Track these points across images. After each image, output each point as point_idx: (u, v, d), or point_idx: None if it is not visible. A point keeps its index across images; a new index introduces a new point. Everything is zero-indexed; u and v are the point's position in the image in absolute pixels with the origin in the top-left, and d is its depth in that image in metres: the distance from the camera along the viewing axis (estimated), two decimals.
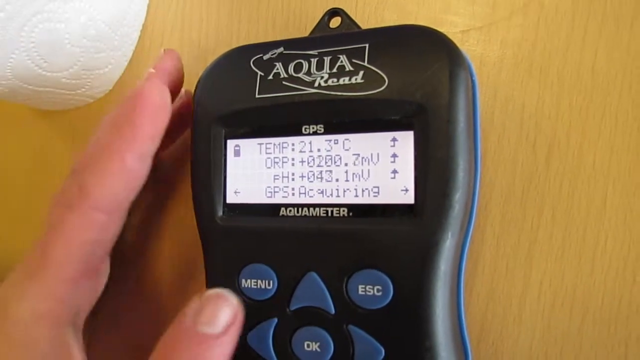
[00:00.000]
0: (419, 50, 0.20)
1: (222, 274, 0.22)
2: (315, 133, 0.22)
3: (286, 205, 0.22)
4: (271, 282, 0.22)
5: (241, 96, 0.22)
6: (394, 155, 0.20)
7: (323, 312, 0.21)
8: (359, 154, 0.21)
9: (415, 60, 0.20)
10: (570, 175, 0.22)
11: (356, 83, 0.20)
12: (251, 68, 0.22)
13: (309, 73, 0.21)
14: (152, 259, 0.27)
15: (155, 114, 0.22)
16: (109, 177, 0.21)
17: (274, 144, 0.22)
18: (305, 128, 0.22)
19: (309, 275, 0.21)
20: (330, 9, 0.23)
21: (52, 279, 0.22)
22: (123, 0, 0.29)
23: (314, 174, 0.22)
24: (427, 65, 0.19)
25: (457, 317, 0.21)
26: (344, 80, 0.21)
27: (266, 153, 0.22)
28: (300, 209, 0.22)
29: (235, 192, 0.23)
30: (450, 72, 0.19)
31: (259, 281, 0.22)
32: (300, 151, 0.22)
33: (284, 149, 0.22)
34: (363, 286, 0.20)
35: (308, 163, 0.22)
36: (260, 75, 0.22)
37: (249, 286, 0.22)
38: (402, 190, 0.20)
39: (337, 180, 0.21)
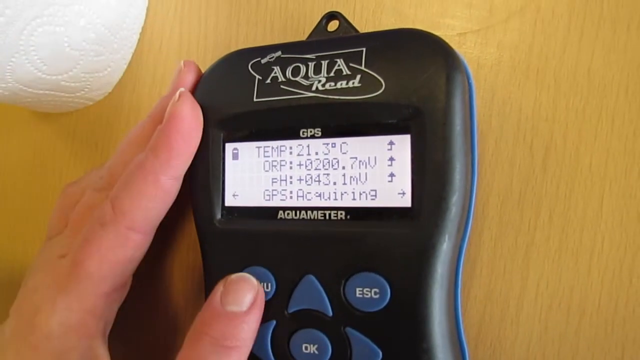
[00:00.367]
0: (416, 54, 0.20)
1: (220, 277, 0.22)
2: (312, 136, 0.22)
3: (284, 209, 0.22)
4: (269, 284, 0.22)
5: (239, 100, 0.23)
6: (391, 159, 0.20)
7: (321, 315, 0.21)
8: (356, 158, 0.21)
9: (412, 64, 0.20)
10: (567, 177, 0.22)
11: (353, 87, 0.20)
12: (249, 72, 0.23)
13: (306, 77, 0.21)
14: (153, 264, 0.27)
15: (189, 136, 0.22)
16: (144, 199, 0.22)
17: (272, 147, 0.22)
18: (303, 131, 0.22)
19: (306, 278, 0.21)
20: (328, 13, 0.23)
21: (86, 292, 0.22)
22: (122, 3, 0.29)
23: (311, 177, 0.22)
24: (424, 68, 0.20)
25: (455, 319, 0.21)
26: (342, 84, 0.21)
27: (264, 156, 0.23)
28: (298, 212, 0.22)
29: (234, 195, 0.23)
30: (447, 76, 0.19)
31: None
32: (298, 154, 0.22)
33: (282, 152, 0.22)
34: (360, 289, 0.20)
35: (306, 166, 0.22)
36: (258, 79, 0.22)
37: None
38: (399, 193, 0.20)
39: (334, 183, 0.21)
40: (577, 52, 0.22)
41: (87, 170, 0.32)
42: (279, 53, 0.22)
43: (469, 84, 0.20)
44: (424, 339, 0.19)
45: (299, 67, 0.22)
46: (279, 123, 0.22)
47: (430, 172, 0.19)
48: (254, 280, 0.21)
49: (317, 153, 0.22)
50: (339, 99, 0.21)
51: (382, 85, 0.20)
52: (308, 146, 0.22)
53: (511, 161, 0.23)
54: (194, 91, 0.24)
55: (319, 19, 0.24)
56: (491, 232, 0.23)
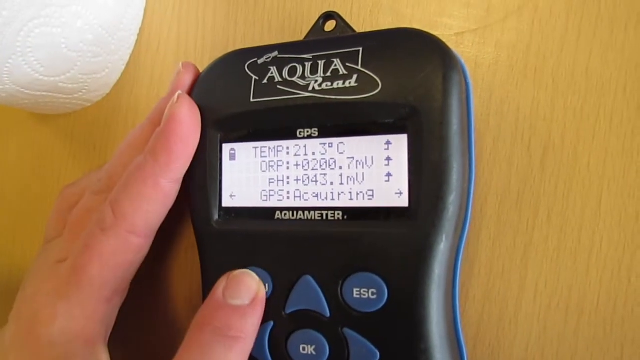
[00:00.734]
0: (412, 53, 0.20)
1: (218, 278, 0.22)
2: (309, 137, 0.22)
3: (281, 209, 0.22)
4: (267, 285, 0.22)
5: (236, 100, 0.22)
6: (388, 159, 0.20)
7: (318, 315, 0.21)
8: (353, 157, 0.21)
9: (408, 64, 0.20)
10: (565, 176, 0.22)
11: (350, 87, 0.20)
12: (246, 72, 0.23)
13: (303, 77, 0.21)
14: (151, 266, 0.27)
15: (188, 139, 0.22)
16: (144, 203, 0.22)
17: (269, 148, 0.22)
18: (300, 132, 0.22)
19: (304, 279, 0.21)
20: (325, 13, 0.23)
21: (87, 298, 0.22)
22: (120, 4, 0.29)
23: (308, 178, 0.22)
24: (421, 68, 0.19)
25: (453, 320, 0.21)
26: (338, 84, 0.21)
27: (261, 157, 0.23)
28: (295, 213, 0.22)
29: (231, 196, 0.23)
30: (443, 75, 0.19)
31: None
32: (295, 155, 0.22)
33: (278, 153, 0.22)
34: (358, 289, 0.20)
35: (303, 166, 0.22)
36: (255, 79, 0.22)
37: None
38: (396, 193, 0.20)
39: (331, 183, 0.21)
40: (575, 51, 0.22)
41: (86, 172, 0.32)
42: (275, 53, 0.22)
43: (466, 83, 0.20)
44: (422, 339, 0.19)
45: (295, 67, 0.22)
46: (276, 123, 0.22)
47: (427, 172, 0.19)
48: (256, 276, 0.22)
49: (314, 153, 0.22)
50: (335, 99, 0.21)
51: (378, 84, 0.20)
52: (305, 146, 0.22)
53: (509, 161, 0.23)
54: (191, 92, 0.24)
55: (316, 18, 0.24)
56: (489, 231, 0.23)
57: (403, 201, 0.20)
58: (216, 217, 0.23)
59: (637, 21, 0.21)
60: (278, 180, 0.22)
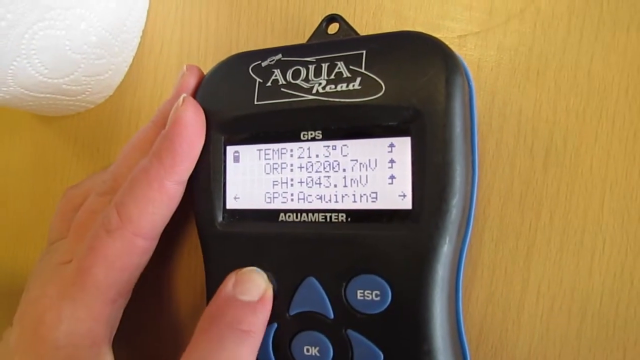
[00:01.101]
0: (416, 56, 0.20)
1: (222, 280, 0.22)
2: (313, 139, 0.22)
3: (285, 211, 0.22)
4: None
5: (240, 103, 0.23)
6: (392, 161, 0.20)
7: (322, 317, 0.21)
8: (356, 160, 0.21)
9: (411, 66, 0.20)
10: (568, 178, 0.22)
11: (354, 89, 0.20)
12: (250, 75, 0.23)
13: (307, 79, 0.21)
14: (155, 267, 0.27)
15: (193, 141, 0.23)
16: (150, 205, 0.22)
17: (273, 150, 0.22)
18: (304, 134, 0.22)
19: (307, 281, 0.21)
20: (328, 15, 0.23)
21: (93, 300, 0.22)
22: (123, 7, 0.29)
23: (312, 180, 0.22)
24: (424, 71, 0.20)
25: (456, 321, 0.21)
26: (342, 87, 0.21)
27: (265, 159, 0.23)
28: (299, 215, 0.22)
29: (235, 198, 0.23)
30: (446, 78, 0.19)
31: None
32: (299, 157, 0.22)
33: (282, 155, 0.22)
34: (361, 291, 0.20)
35: (307, 169, 0.22)
36: (259, 82, 0.22)
37: None
38: (399, 195, 0.20)
39: (335, 185, 0.21)
40: (577, 54, 0.22)
41: (89, 174, 0.32)
42: (279, 56, 0.22)
43: (469, 86, 0.20)
44: (425, 341, 0.19)
45: (299, 69, 0.22)
46: (280, 126, 0.22)
47: (430, 174, 0.19)
48: (264, 274, 0.22)
49: (317, 155, 0.22)
50: (339, 101, 0.21)
51: (382, 87, 0.20)
52: (309, 149, 0.22)
53: (512, 163, 0.23)
54: (195, 95, 0.24)
55: (319, 21, 0.24)
56: (492, 233, 0.23)
57: (406, 203, 0.20)
58: (220, 219, 0.23)
59: (639, 23, 0.21)
60: (282, 183, 0.22)
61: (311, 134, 0.22)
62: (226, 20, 0.29)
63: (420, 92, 0.19)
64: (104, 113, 0.33)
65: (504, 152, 0.23)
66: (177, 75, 0.25)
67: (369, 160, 0.21)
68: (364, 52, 0.21)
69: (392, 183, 0.20)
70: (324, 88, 0.21)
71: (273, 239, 0.22)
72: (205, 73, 0.25)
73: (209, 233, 0.23)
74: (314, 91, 0.21)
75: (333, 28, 0.24)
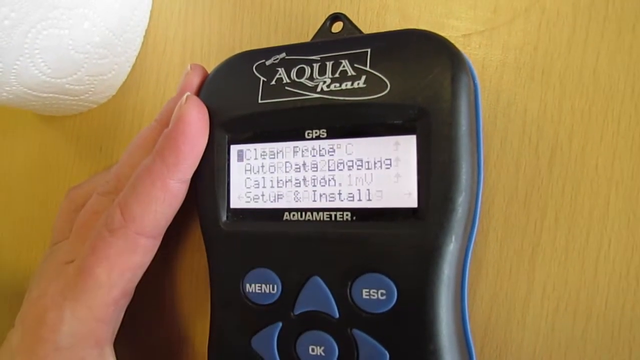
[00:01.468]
0: (421, 54, 0.20)
1: (226, 279, 0.22)
2: (318, 138, 0.22)
3: (290, 210, 0.22)
4: (275, 286, 0.22)
5: (244, 101, 0.22)
6: (397, 159, 0.20)
7: (327, 316, 0.21)
8: (361, 159, 0.21)
9: (417, 65, 0.20)
10: (573, 178, 0.22)
11: (358, 88, 0.20)
12: (254, 73, 0.23)
13: (311, 78, 0.21)
14: (158, 267, 0.27)
15: (196, 139, 0.22)
16: (153, 204, 0.22)
17: (277, 149, 0.22)
18: (308, 133, 0.22)
19: (313, 280, 0.21)
20: (332, 14, 0.23)
21: (95, 300, 0.22)
22: (126, 6, 0.29)
23: (317, 179, 0.22)
24: (429, 69, 0.19)
25: (462, 321, 0.20)
26: (347, 85, 0.21)
27: (269, 158, 0.22)
28: (303, 214, 0.22)
29: (239, 197, 0.23)
30: (452, 76, 0.19)
31: (263, 286, 0.22)
32: (303, 156, 0.22)
33: (287, 154, 0.22)
34: (367, 290, 0.20)
35: (311, 168, 0.22)
36: (263, 80, 0.22)
37: (253, 291, 0.22)
38: (405, 194, 0.20)
39: (340, 184, 0.21)
40: (583, 53, 0.22)
41: (92, 174, 0.32)
42: (283, 54, 0.22)
43: (474, 85, 0.20)
44: (431, 340, 0.19)
45: (303, 68, 0.22)
46: (284, 124, 0.22)
47: (436, 173, 0.19)
48: None
49: (322, 154, 0.21)
50: (344, 99, 0.21)
51: (387, 85, 0.20)
52: (313, 147, 0.22)
53: (517, 162, 0.23)
54: (199, 93, 0.24)
55: (323, 20, 0.24)
56: (497, 233, 0.23)
57: (412, 202, 0.20)
58: (224, 218, 0.23)
59: None
60: (286, 182, 0.22)
61: (316, 133, 0.22)
62: (229, 20, 0.29)
63: (426, 90, 0.19)
64: (106, 113, 0.33)
65: (509, 152, 0.23)
66: (181, 75, 0.25)
67: (374, 158, 0.21)
68: (369, 50, 0.21)
69: (397, 181, 0.20)
70: (328, 86, 0.21)
71: (277, 238, 0.22)
72: (209, 72, 0.25)
73: (212, 232, 0.23)
74: (319, 90, 0.21)
75: (337, 27, 0.23)
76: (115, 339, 0.24)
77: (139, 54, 0.32)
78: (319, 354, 0.21)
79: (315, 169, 0.22)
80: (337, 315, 0.21)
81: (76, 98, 0.31)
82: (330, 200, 0.21)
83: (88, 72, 0.30)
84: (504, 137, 0.23)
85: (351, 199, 0.21)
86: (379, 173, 0.21)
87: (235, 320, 0.22)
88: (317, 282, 0.21)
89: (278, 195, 0.22)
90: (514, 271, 0.22)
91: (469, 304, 0.22)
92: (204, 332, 0.24)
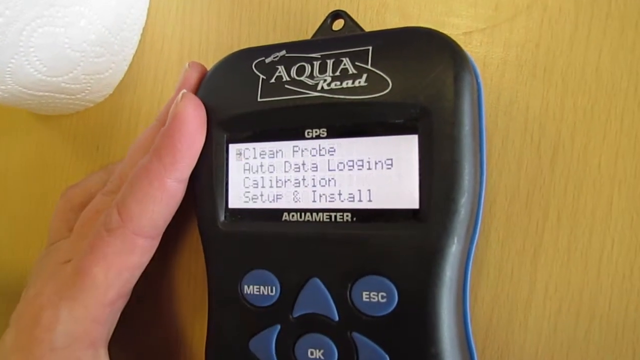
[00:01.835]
0: (423, 52, 0.20)
1: (224, 280, 0.22)
2: (318, 137, 0.21)
3: (289, 210, 0.22)
4: (274, 288, 0.21)
5: (243, 100, 0.22)
6: (398, 160, 0.20)
7: (326, 319, 0.21)
8: (362, 158, 0.21)
9: (419, 63, 0.20)
10: (576, 177, 0.22)
11: (359, 86, 0.20)
12: (253, 71, 0.22)
13: (311, 76, 0.21)
14: (155, 267, 0.27)
15: (193, 138, 0.22)
16: (150, 203, 0.22)
17: (277, 148, 0.22)
18: (308, 132, 0.22)
19: (312, 282, 0.21)
20: (333, 12, 0.23)
21: (91, 301, 0.22)
22: (123, 4, 0.29)
23: (316, 179, 0.21)
24: (431, 67, 0.19)
25: (463, 323, 0.20)
26: (347, 84, 0.20)
27: (268, 157, 0.22)
28: (303, 214, 0.21)
29: (238, 197, 0.23)
30: (455, 75, 0.19)
31: (262, 287, 0.22)
32: (303, 155, 0.22)
33: (286, 153, 0.22)
34: (367, 292, 0.20)
35: (311, 167, 0.21)
36: (262, 78, 0.22)
37: (252, 292, 0.22)
38: (406, 194, 0.20)
39: (340, 184, 0.21)
40: (585, 51, 0.22)
41: (89, 173, 0.32)
42: (283, 52, 0.22)
43: (477, 83, 0.20)
44: (433, 343, 0.19)
45: (303, 66, 0.21)
46: (284, 123, 0.22)
47: (438, 173, 0.19)
48: None
49: (322, 154, 0.21)
50: (344, 98, 0.20)
51: (388, 84, 0.20)
52: (313, 147, 0.21)
53: (518, 161, 0.22)
54: (197, 91, 0.24)
55: (323, 18, 0.23)
56: (498, 234, 0.23)
57: (413, 203, 0.20)
58: (222, 218, 0.23)
59: None
60: (286, 181, 0.22)
61: (316, 132, 0.21)
62: (227, 18, 0.29)
63: (428, 89, 0.19)
64: (103, 112, 0.33)
65: (510, 151, 0.23)
66: (179, 73, 0.25)
67: (375, 158, 0.20)
68: (371, 48, 0.20)
69: (398, 182, 0.20)
70: (329, 85, 0.21)
71: (276, 239, 0.22)
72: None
73: (210, 233, 0.23)
74: (319, 88, 0.21)
75: (338, 25, 0.23)
76: (112, 340, 0.24)
77: (136, 52, 0.32)
78: (318, 357, 0.20)
79: (315, 169, 0.21)
80: (336, 318, 0.20)
81: (72, 97, 0.31)
82: (330, 201, 0.21)
83: (84, 70, 0.29)
84: (506, 136, 0.23)
85: (351, 199, 0.21)
86: (379, 173, 0.20)
87: (233, 322, 0.22)
88: (317, 284, 0.21)
89: (277, 195, 0.22)
90: (516, 272, 0.22)
91: (470, 305, 0.22)
92: (202, 334, 0.24)
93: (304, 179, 0.22)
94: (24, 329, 0.23)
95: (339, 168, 0.21)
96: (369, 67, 0.20)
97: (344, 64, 0.21)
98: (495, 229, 0.23)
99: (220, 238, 0.23)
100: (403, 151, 0.20)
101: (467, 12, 0.24)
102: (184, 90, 0.23)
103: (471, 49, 0.24)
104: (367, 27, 0.25)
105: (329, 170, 0.21)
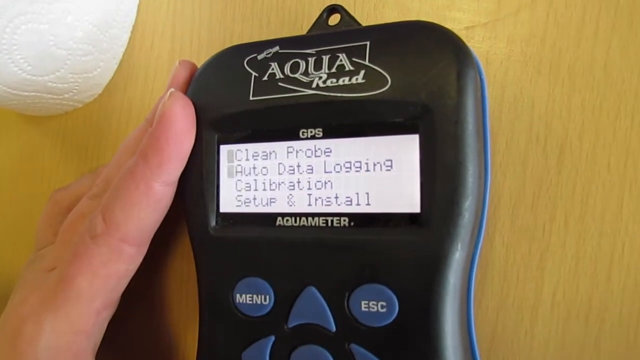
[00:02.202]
0: (424, 47, 0.19)
1: (215, 289, 0.22)
2: (313, 137, 0.21)
3: (283, 215, 0.21)
4: (267, 297, 0.21)
5: (234, 99, 0.22)
6: (398, 161, 0.19)
7: (323, 330, 0.20)
8: (360, 160, 0.20)
9: (420, 58, 0.19)
10: (584, 178, 0.21)
11: (357, 83, 0.20)
12: (245, 68, 0.22)
13: (306, 73, 0.20)
14: (144, 274, 0.27)
15: (181, 138, 0.21)
16: (137, 209, 0.21)
17: (270, 150, 0.22)
18: (303, 132, 0.21)
19: (307, 290, 0.20)
20: (329, 6, 0.23)
21: (75, 312, 0.21)
22: (111, 0, 0.28)
23: (312, 181, 0.21)
24: (433, 63, 0.19)
25: (468, 334, 0.20)
26: (344, 81, 0.20)
27: (261, 159, 0.22)
28: (298, 219, 0.21)
29: (229, 201, 0.22)
30: (458, 71, 0.18)
31: (255, 296, 0.21)
32: (298, 157, 0.21)
33: (280, 155, 0.21)
34: (366, 302, 0.19)
35: (306, 169, 0.21)
36: (255, 76, 0.21)
37: (244, 301, 0.21)
38: (407, 198, 0.19)
39: (337, 187, 0.20)
40: (593, 45, 0.21)
41: (77, 176, 0.32)
42: (276, 48, 0.21)
43: (481, 80, 0.19)
44: (436, 355, 0.18)
45: (298, 62, 0.21)
46: (277, 123, 0.21)
47: (441, 175, 0.18)
48: None
49: (318, 155, 0.21)
50: (341, 96, 0.20)
51: (387, 81, 0.19)
52: (308, 148, 0.21)
53: (523, 162, 0.22)
54: (186, 90, 0.23)
55: (318, 13, 0.23)
56: (503, 237, 0.22)
57: (414, 207, 0.19)
58: (213, 223, 0.22)
59: None
60: (280, 184, 0.21)
61: (311, 132, 0.21)
62: (220, 14, 0.29)
63: (430, 86, 0.18)
64: (92, 112, 0.32)
65: (515, 151, 0.22)
66: (170, 71, 0.25)
67: (374, 159, 0.20)
68: (368, 43, 0.20)
69: (398, 185, 0.19)
70: (324, 82, 0.20)
71: (270, 245, 0.21)
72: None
73: (201, 238, 0.22)
74: (314, 85, 0.20)
75: (334, 19, 0.23)
76: (99, 351, 0.23)
77: (126, 50, 0.31)
78: None
79: (310, 171, 0.21)
80: (333, 329, 0.20)
81: (60, 97, 0.31)
82: (326, 205, 0.20)
83: (71, 69, 0.29)
84: (510, 135, 0.22)
85: (349, 203, 0.20)
86: (378, 175, 0.20)
87: (225, 332, 0.22)
88: (313, 293, 0.20)
89: (271, 199, 0.21)
90: (522, 277, 0.22)
91: (474, 313, 0.22)
92: (194, 344, 0.23)
93: (299, 182, 0.21)
94: (6, 342, 0.22)
95: (336, 170, 0.20)
96: (366, 63, 0.20)
97: (341, 60, 0.20)
98: (500, 233, 0.22)
99: (211, 244, 0.22)
100: (403, 152, 0.19)
101: (469, 6, 0.24)
102: (172, 89, 0.22)
103: (473, 44, 0.23)
104: (365, 22, 0.24)
105: (325, 172, 0.21)
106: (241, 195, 0.22)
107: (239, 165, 0.22)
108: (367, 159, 0.20)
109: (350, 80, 0.20)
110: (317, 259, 0.20)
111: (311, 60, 0.21)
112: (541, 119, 0.22)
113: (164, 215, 0.23)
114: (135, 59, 0.31)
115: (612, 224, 0.21)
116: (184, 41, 0.29)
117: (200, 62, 0.24)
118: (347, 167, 0.20)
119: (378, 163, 0.20)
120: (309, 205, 0.21)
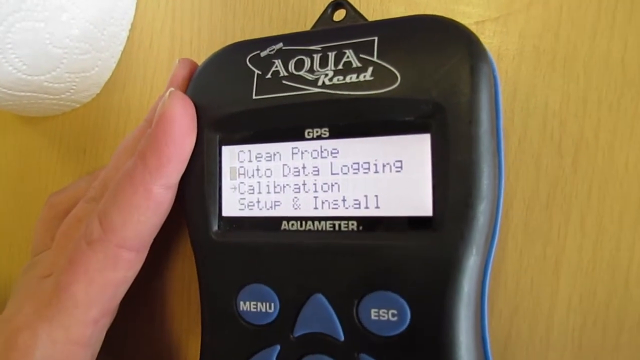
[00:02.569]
0: (435, 42, 0.19)
1: (217, 296, 0.21)
2: (319, 137, 0.20)
3: (288, 219, 0.21)
4: (272, 304, 0.20)
5: (237, 97, 0.21)
6: (409, 161, 0.19)
7: (331, 339, 0.19)
8: (368, 161, 0.20)
9: (431, 54, 0.18)
10: (601, 178, 0.21)
11: (365, 81, 0.19)
12: (247, 66, 0.21)
13: (311, 71, 0.20)
14: (144, 280, 0.26)
15: (182, 140, 0.21)
16: (135, 212, 0.21)
17: (274, 150, 0.21)
18: (309, 132, 0.20)
19: (314, 298, 0.20)
20: (334, 1, 0.22)
21: (72, 320, 0.21)
22: None
23: (318, 184, 0.20)
24: (445, 59, 0.18)
25: (482, 342, 0.19)
26: (351, 78, 0.19)
27: (265, 160, 0.21)
28: (304, 223, 0.20)
29: (232, 205, 0.22)
30: (471, 67, 0.18)
31: (259, 304, 0.21)
32: (303, 158, 0.21)
33: (284, 156, 0.21)
34: (376, 310, 0.19)
35: (312, 171, 0.20)
36: (258, 74, 0.21)
37: (248, 309, 0.21)
38: (418, 200, 0.19)
39: (344, 190, 0.20)
40: (609, 40, 0.21)
41: (75, 178, 0.32)
42: (280, 45, 0.21)
43: (494, 77, 0.19)
44: None
45: (302, 59, 0.20)
46: (281, 123, 0.21)
47: (454, 176, 0.18)
48: None
49: (324, 156, 0.20)
50: (348, 94, 0.19)
51: (397, 78, 0.19)
52: (314, 148, 0.20)
53: (537, 162, 0.22)
54: (186, 89, 0.23)
55: (321, 10, 0.22)
56: (516, 241, 0.22)
57: (426, 210, 0.18)
58: (215, 227, 0.22)
59: None
60: (284, 187, 0.21)
61: (317, 132, 0.20)
62: (220, 11, 0.28)
63: (442, 83, 0.18)
64: (90, 113, 0.32)
65: (528, 150, 0.22)
66: (170, 70, 0.25)
67: (383, 160, 0.19)
68: (376, 38, 0.19)
69: (409, 186, 0.19)
70: (330, 80, 0.20)
71: (275, 251, 0.20)
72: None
73: (203, 243, 0.22)
74: (320, 83, 0.20)
75: (339, 15, 0.22)
76: (101, 355, 0.23)
77: (124, 48, 0.31)
78: None
79: (316, 173, 0.20)
80: (342, 338, 0.19)
81: (56, 97, 0.30)
82: (333, 208, 0.20)
83: (68, 68, 0.29)
84: (523, 134, 0.22)
85: (357, 206, 0.20)
86: (388, 177, 0.19)
87: (228, 341, 0.21)
88: (320, 301, 0.20)
89: (275, 202, 0.21)
90: (536, 282, 0.21)
91: (487, 320, 0.21)
92: (196, 353, 0.23)
93: (304, 184, 0.20)
94: (0, 352, 0.21)
95: (343, 171, 0.20)
96: (374, 59, 0.19)
97: (347, 57, 0.20)
98: (513, 236, 0.22)
99: (213, 249, 0.21)
100: (414, 152, 0.19)
101: (478, 0, 0.23)
102: (172, 89, 0.22)
103: (484, 39, 0.22)
104: (371, 18, 0.24)
105: (332, 174, 0.20)
106: (244, 199, 0.22)
107: (242, 167, 0.22)
108: (376, 160, 0.19)
109: (357, 77, 0.19)
110: (324, 265, 0.20)
111: (316, 57, 0.20)
112: (555, 116, 0.21)
113: (163, 219, 0.22)
114: (134, 57, 0.31)
115: (631, 226, 0.20)
116: (184, 39, 0.29)
117: (200, 60, 0.24)
118: (354, 169, 0.20)
119: (387, 164, 0.19)
120: (315, 208, 0.20)
